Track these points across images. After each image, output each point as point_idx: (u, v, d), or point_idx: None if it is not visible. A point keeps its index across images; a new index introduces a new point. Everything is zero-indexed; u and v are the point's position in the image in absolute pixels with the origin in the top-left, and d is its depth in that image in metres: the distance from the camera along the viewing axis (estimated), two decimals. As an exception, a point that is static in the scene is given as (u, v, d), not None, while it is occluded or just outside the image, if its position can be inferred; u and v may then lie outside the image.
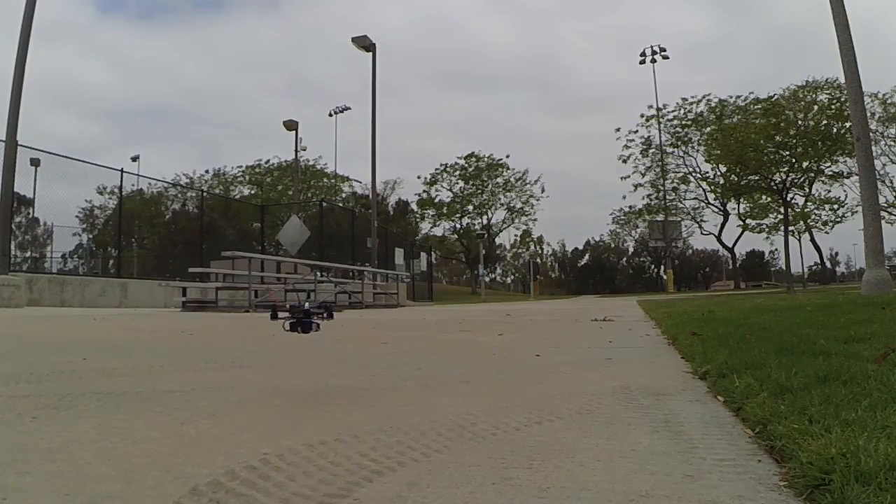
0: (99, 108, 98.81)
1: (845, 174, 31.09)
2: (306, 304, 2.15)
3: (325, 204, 24.69)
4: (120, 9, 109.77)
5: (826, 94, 29.32)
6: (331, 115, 50.89)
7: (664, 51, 45.98)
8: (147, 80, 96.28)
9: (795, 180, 30.77)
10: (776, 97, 30.98)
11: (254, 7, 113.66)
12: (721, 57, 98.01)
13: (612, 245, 70.84)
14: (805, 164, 29.70)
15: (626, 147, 43.25)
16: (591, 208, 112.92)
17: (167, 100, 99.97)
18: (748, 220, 38.12)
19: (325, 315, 1.97)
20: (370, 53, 20.26)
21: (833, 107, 28.10)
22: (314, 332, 4.77)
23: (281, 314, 2.13)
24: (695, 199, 43.91)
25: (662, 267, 59.57)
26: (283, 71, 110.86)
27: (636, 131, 42.99)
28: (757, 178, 30.50)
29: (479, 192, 54.18)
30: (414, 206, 55.58)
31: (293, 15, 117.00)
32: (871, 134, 15.18)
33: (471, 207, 54.58)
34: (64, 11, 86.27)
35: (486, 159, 53.47)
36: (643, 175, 43.51)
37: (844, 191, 33.51)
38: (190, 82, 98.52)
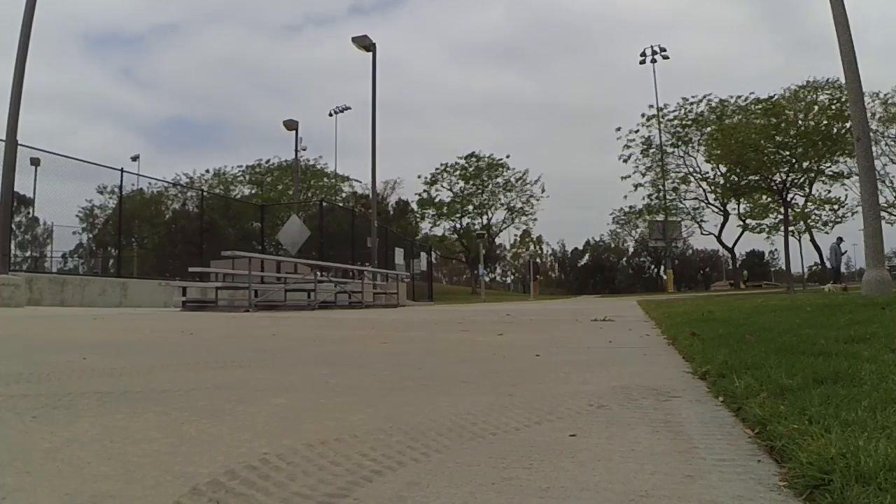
0: (99, 108, 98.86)
1: (845, 174, 31.13)
2: None
3: (325, 204, 24.65)
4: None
5: (826, 94, 29.36)
6: (331, 114, 50.92)
7: (664, 51, 45.97)
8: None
9: (795, 180, 30.82)
10: (776, 97, 31.02)
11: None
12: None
13: (612, 245, 70.74)
14: (805, 165, 29.75)
15: (627, 147, 43.26)
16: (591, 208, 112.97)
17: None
18: (748, 221, 38.21)
19: None
20: (370, 53, 20.26)
21: (833, 107, 28.13)
22: (313, 332, 4.76)
23: None
24: (695, 199, 43.88)
25: (662, 267, 59.50)
26: (282, 71, 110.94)
27: (636, 131, 42.99)
28: (757, 178, 30.55)
29: (480, 191, 54.14)
30: (414, 206, 55.56)
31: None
32: (871, 134, 15.18)
33: (471, 207, 54.53)
34: (65, 12, 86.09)
35: (486, 159, 53.44)
36: (643, 175, 43.50)
37: (844, 191, 33.57)
38: (190, 82, 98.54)
